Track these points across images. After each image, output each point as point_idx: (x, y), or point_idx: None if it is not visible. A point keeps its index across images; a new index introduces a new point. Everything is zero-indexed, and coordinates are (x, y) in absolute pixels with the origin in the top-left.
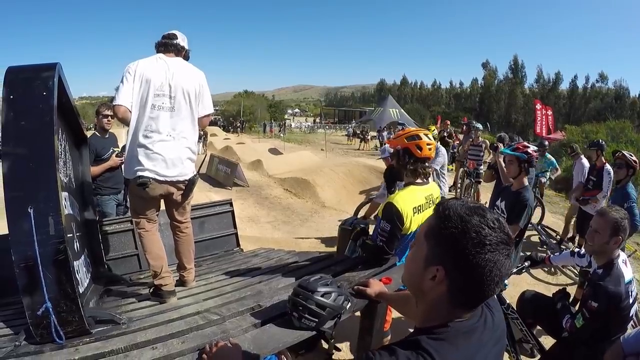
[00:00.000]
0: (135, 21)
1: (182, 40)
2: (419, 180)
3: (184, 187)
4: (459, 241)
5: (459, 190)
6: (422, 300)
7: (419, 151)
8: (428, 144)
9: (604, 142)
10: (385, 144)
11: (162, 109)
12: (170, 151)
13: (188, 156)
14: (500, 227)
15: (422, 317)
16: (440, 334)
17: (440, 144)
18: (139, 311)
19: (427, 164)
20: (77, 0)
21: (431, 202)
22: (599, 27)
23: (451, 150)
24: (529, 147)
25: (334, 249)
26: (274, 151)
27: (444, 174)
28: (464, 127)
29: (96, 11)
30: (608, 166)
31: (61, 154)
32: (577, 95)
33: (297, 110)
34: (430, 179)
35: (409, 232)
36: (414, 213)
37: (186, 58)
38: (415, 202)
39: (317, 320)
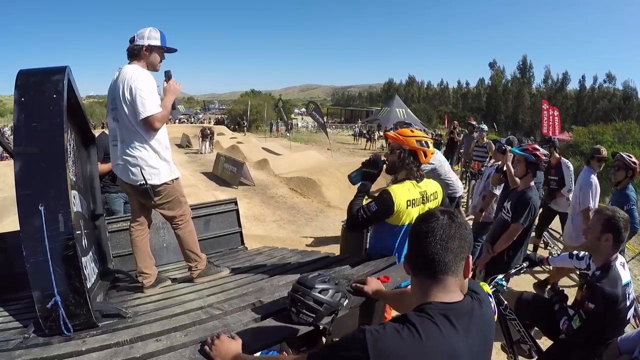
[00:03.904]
0: (142, 21)
1: (139, 39)
2: (415, 177)
3: (141, 192)
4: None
5: (463, 190)
6: None
7: (424, 157)
8: (431, 153)
9: (555, 138)
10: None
11: (112, 120)
12: (117, 157)
13: (135, 163)
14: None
15: (412, 302)
16: (423, 310)
17: (449, 144)
18: (144, 306)
19: (422, 167)
20: (84, 1)
21: (425, 198)
22: (606, 27)
23: (457, 152)
24: (538, 149)
25: (338, 248)
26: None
27: (449, 176)
28: (468, 127)
29: (104, 11)
30: (564, 160)
31: (70, 154)
32: (585, 96)
33: (303, 109)
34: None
35: (402, 224)
36: (408, 206)
37: (149, 51)
38: (409, 196)
39: (314, 315)
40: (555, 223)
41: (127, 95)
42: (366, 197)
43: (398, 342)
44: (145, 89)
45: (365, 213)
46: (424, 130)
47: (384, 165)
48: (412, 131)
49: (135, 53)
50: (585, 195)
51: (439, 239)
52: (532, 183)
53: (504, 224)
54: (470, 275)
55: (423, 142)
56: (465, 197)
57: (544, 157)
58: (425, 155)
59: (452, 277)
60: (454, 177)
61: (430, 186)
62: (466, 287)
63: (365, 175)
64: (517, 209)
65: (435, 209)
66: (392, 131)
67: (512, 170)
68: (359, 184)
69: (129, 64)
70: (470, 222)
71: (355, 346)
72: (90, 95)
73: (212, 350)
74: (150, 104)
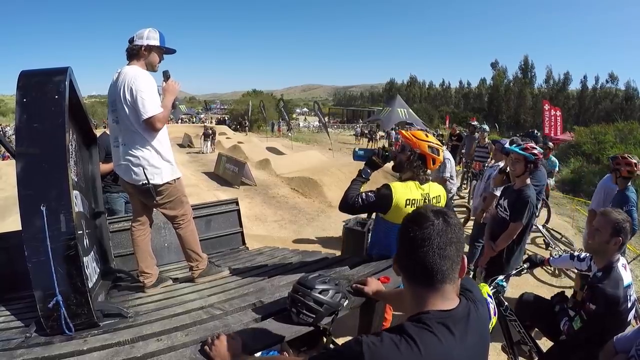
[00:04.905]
0: (143, 21)
1: (138, 39)
2: (420, 180)
3: (143, 191)
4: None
5: (464, 191)
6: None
7: (432, 164)
8: (440, 162)
9: (538, 134)
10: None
11: (113, 122)
12: (119, 158)
13: (138, 163)
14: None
15: (408, 309)
16: (421, 320)
17: (451, 148)
18: (146, 305)
19: (428, 172)
20: (86, 1)
21: (427, 200)
22: (607, 27)
23: (459, 153)
24: (536, 148)
25: (339, 248)
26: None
27: (453, 178)
28: (469, 128)
29: (105, 11)
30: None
31: (72, 154)
32: (587, 96)
33: (305, 109)
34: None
35: (400, 222)
36: (406, 204)
37: (148, 51)
38: (410, 195)
39: (314, 316)
40: (556, 223)
41: (127, 96)
42: (363, 184)
43: (396, 355)
44: (145, 89)
45: (362, 200)
46: (426, 131)
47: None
48: (427, 135)
49: (134, 53)
50: (594, 197)
51: (436, 248)
52: (529, 181)
53: (502, 221)
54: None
55: (435, 149)
56: (467, 198)
57: (541, 156)
58: (434, 163)
59: (450, 284)
60: (454, 179)
61: (434, 189)
62: (458, 287)
63: (371, 162)
64: (517, 208)
65: (427, 210)
66: (394, 131)
67: (510, 166)
68: (361, 168)
69: (128, 64)
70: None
71: (352, 358)
72: (92, 95)
73: (212, 350)
74: (150, 104)
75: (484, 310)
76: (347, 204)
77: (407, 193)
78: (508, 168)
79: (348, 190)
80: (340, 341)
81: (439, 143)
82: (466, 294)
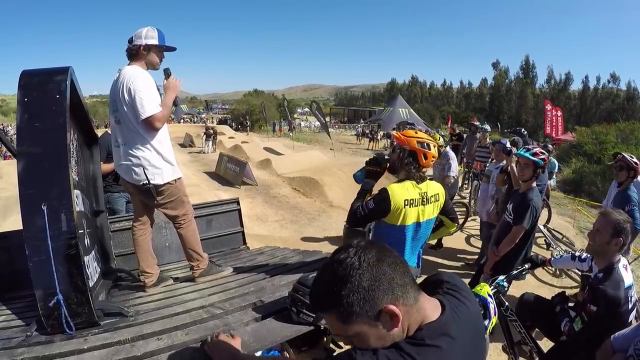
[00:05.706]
0: (144, 21)
1: (137, 39)
2: (415, 178)
3: (144, 191)
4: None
5: (465, 191)
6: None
7: (424, 159)
8: (433, 156)
9: (525, 132)
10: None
11: (114, 122)
12: (120, 158)
13: (139, 163)
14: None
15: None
16: (416, 338)
17: (451, 148)
18: (146, 305)
19: (423, 170)
20: (87, 2)
21: (425, 199)
22: (608, 28)
23: (460, 154)
24: (544, 153)
25: None
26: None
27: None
28: (470, 128)
29: (106, 11)
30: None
31: (73, 153)
32: (588, 96)
33: (306, 109)
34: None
35: (401, 224)
36: (405, 205)
37: (147, 50)
38: (408, 195)
39: (314, 315)
40: (557, 224)
41: (126, 96)
42: (368, 195)
43: None
44: (143, 89)
45: (363, 209)
46: (427, 131)
47: (388, 164)
48: (416, 132)
49: (133, 53)
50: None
51: (398, 281)
52: (534, 184)
53: (507, 226)
54: None
55: (425, 144)
56: (468, 198)
57: (547, 160)
58: (426, 158)
59: (421, 290)
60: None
61: (432, 188)
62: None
63: (368, 173)
64: (519, 211)
65: (349, 253)
66: (395, 131)
67: (516, 172)
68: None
69: (128, 64)
70: (476, 223)
71: None
72: (94, 94)
73: (212, 350)
74: (149, 104)
75: (472, 304)
76: (352, 216)
77: (404, 194)
78: (508, 168)
79: (352, 203)
80: (342, 342)
81: (430, 138)
82: (449, 291)
